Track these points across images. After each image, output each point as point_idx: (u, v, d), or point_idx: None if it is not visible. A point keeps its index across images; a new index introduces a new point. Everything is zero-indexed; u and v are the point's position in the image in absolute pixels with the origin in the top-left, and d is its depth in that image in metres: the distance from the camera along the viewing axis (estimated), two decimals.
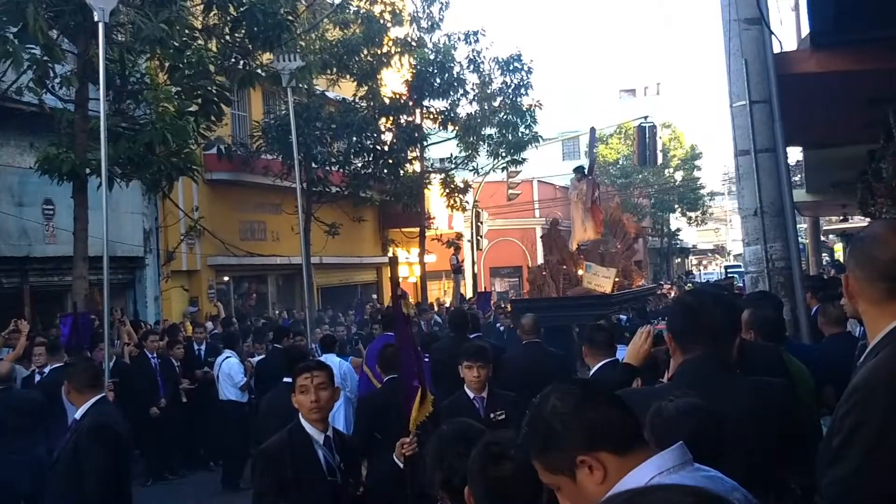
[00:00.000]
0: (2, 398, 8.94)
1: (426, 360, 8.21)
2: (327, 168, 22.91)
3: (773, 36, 7.60)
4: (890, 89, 8.61)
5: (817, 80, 8.42)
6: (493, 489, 2.71)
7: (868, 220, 16.25)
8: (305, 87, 20.31)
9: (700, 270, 66.13)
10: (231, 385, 12.50)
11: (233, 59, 15.79)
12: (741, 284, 12.13)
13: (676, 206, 51.25)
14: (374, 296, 29.66)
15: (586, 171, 15.70)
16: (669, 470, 2.04)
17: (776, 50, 7.73)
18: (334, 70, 23.24)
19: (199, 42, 14.91)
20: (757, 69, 7.44)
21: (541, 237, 14.73)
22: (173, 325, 15.55)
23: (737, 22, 7.47)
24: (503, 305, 21.95)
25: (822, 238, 34.46)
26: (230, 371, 12.52)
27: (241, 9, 14.80)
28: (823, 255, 34.25)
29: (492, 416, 6.11)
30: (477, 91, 26.33)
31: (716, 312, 3.35)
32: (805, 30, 8.88)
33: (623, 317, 12.95)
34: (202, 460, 13.80)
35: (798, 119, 10.03)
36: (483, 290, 27.66)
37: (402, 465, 5.03)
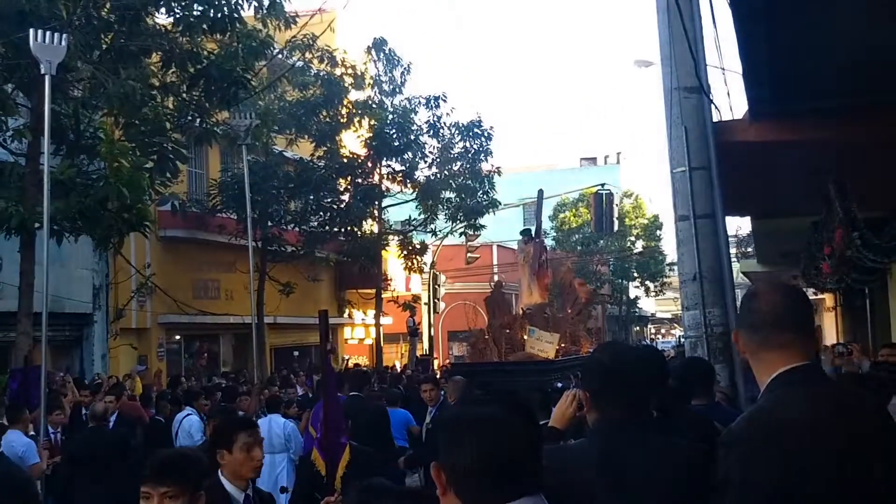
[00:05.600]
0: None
1: None
2: (283, 226, 22.87)
3: (712, 105, 7.74)
4: (828, 160, 8.78)
5: (758, 150, 8.57)
6: None
7: (813, 290, 16.40)
8: (262, 145, 20.36)
9: (658, 339, 66.37)
10: (190, 442, 12.28)
11: (189, 117, 15.80)
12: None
13: (636, 274, 51.61)
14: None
15: (533, 233, 15.72)
16: None
17: (716, 118, 7.88)
18: (292, 130, 23.33)
19: (157, 99, 14.92)
20: (697, 136, 7.56)
21: (484, 300, 14.66)
22: (118, 383, 15.25)
23: (677, 90, 7.61)
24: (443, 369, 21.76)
25: None
26: (190, 429, 12.32)
27: (199, 66, 14.84)
28: None
29: None
30: (437, 155, 26.54)
31: (632, 371, 3.33)
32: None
33: (560, 384, 12.83)
34: None
35: (743, 188, 10.17)
36: (423, 354, 27.75)
37: None
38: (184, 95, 15.71)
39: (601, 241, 45.96)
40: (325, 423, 5.08)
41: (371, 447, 6.89)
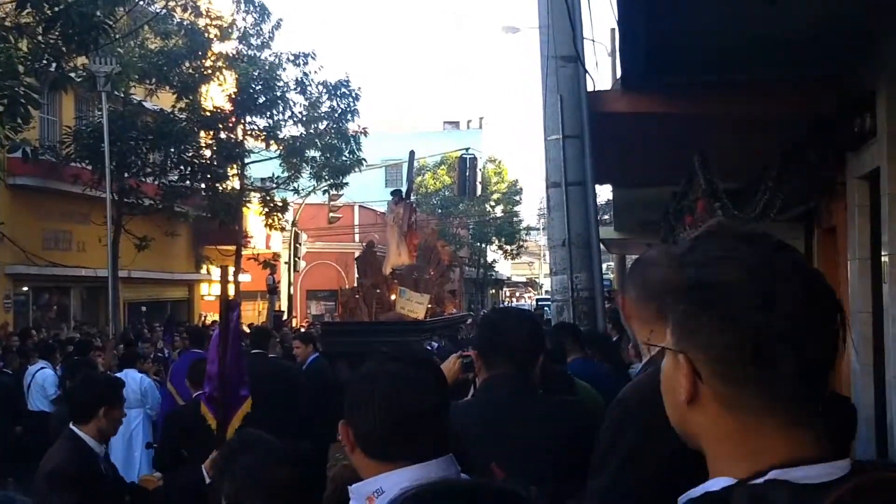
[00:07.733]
0: None
1: None
2: (141, 179, 22.17)
3: (587, 74, 7.92)
4: (695, 133, 9.09)
5: (629, 120, 8.80)
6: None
7: None
8: (122, 94, 19.64)
9: (513, 302, 67.67)
10: (43, 396, 11.97)
11: (44, 61, 15.08)
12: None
13: (494, 238, 52.34)
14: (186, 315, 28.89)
15: (404, 194, 15.73)
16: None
17: (590, 88, 8.06)
18: (153, 80, 22.58)
19: (9, 41, 14.17)
20: (571, 105, 7.73)
21: (356, 259, 14.62)
22: None
23: (554, 59, 7.74)
24: (315, 326, 21.92)
25: None
26: (44, 382, 11.99)
27: (56, 8, 14.15)
28: None
29: None
30: (304, 113, 26.23)
31: (520, 331, 3.40)
32: (620, 73, 9.26)
33: (435, 343, 13.01)
34: None
35: (613, 157, 10.42)
36: (278, 310, 28.14)
37: (208, 478, 4.85)
38: (39, 38, 14.97)
39: (461, 205, 46.38)
40: (221, 375, 4.98)
41: (277, 408, 6.81)
